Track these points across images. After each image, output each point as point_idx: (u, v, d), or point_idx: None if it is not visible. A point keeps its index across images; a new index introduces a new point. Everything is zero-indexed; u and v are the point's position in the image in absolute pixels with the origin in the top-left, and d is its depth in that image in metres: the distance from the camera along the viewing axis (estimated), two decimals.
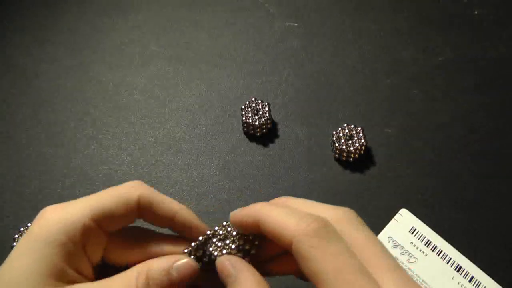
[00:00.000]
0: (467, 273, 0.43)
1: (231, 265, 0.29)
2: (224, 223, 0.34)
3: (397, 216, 0.46)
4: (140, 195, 0.31)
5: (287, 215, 0.26)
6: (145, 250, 0.31)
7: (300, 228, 0.25)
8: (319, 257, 0.24)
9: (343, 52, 0.55)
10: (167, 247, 0.32)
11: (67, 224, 0.28)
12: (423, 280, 0.43)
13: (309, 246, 0.25)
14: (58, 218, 0.28)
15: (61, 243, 0.27)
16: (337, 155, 0.48)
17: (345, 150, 0.47)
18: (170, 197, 0.47)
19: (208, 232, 0.34)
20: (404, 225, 0.45)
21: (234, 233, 0.33)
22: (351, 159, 0.48)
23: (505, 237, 0.44)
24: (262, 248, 0.31)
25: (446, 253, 0.44)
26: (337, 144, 0.47)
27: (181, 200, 0.47)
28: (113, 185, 0.47)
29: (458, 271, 0.43)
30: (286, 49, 0.55)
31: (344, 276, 0.23)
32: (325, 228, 0.25)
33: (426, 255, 0.44)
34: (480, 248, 0.44)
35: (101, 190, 0.46)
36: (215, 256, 0.32)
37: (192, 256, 0.32)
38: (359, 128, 0.48)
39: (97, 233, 0.29)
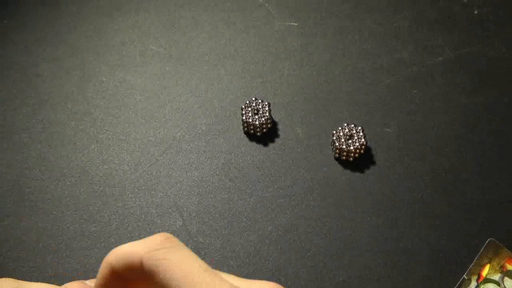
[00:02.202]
0: None
1: None
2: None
3: None
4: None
5: (133, 244, 0.28)
6: None
7: (146, 247, 0.26)
8: (166, 267, 0.25)
9: (343, 52, 0.55)
10: None
11: None
12: None
13: (156, 260, 0.26)
14: None
15: None
16: (337, 155, 0.48)
17: (345, 149, 0.47)
18: (170, 196, 0.47)
19: None
20: None
21: None
22: (351, 158, 0.48)
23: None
24: None
25: None
26: (337, 144, 0.47)
27: (181, 200, 0.47)
28: (113, 184, 0.47)
29: None
30: (286, 49, 0.55)
31: (193, 278, 0.25)
32: (168, 240, 0.27)
33: None
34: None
35: (101, 189, 0.47)
36: None
37: None
38: (359, 128, 0.48)
39: None
